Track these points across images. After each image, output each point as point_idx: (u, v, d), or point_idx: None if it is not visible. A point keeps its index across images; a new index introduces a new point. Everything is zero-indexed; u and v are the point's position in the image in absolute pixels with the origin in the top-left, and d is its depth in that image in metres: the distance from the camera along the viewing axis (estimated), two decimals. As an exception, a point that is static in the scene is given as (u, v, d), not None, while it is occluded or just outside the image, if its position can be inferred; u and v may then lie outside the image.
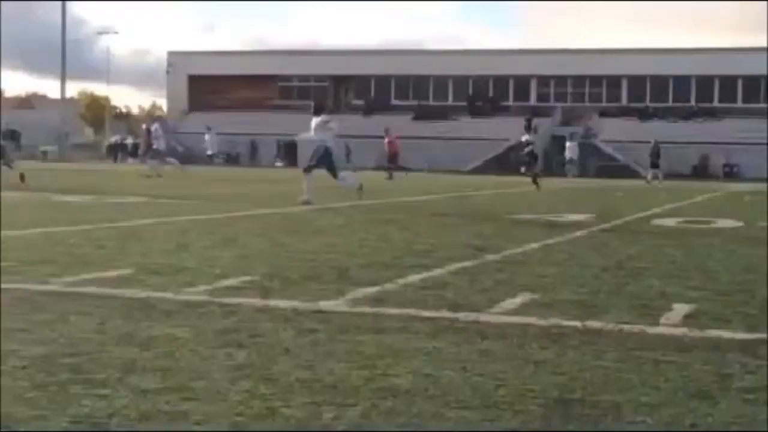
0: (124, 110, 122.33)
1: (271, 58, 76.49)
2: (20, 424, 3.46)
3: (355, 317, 5.84)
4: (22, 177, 17.01)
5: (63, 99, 73.01)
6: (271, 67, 74.40)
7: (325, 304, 6.25)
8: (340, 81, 74.88)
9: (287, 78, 75.48)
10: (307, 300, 6.39)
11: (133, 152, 66.75)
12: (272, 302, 6.31)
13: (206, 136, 50.29)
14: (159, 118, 28.37)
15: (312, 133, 18.66)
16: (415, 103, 72.18)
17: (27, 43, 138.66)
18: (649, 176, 43.19)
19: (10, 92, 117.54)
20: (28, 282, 6.94)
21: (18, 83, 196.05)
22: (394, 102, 72.95)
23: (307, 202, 17.64)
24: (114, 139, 71.37)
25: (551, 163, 61.13)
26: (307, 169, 18.56)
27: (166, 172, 34.06)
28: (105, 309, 5.91)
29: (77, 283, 6.94)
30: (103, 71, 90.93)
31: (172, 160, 36.44)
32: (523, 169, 31.97)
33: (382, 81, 74.04)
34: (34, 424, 3.49)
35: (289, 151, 65.90)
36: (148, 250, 9.30)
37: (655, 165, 44.12)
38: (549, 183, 37.96)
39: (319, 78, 74.92)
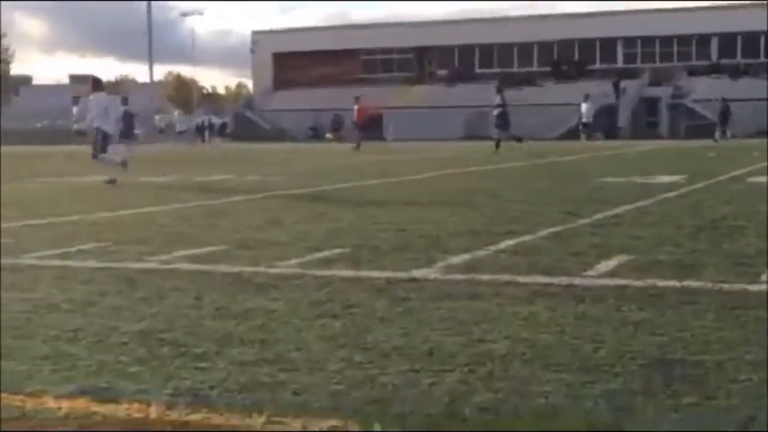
0: (210, 91, 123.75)
1: (354, 33, 76.42)
2: (124, 398, 3.52)
3: (448, 285, 5.82)
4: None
5: (151, 82, 74.10)
6: (353, 42, 74.33)
7: (417, 273, 6.23)
8: (423, 52, 74.53)
9: (370, 51, 75.39)
10: (399, 269, 6.38)
11: (221, 131, 67.47)
12: (364, 273, 6.32)
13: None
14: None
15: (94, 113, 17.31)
16: (499, 70, 71.60)
17: (115, 29, 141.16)
18: (717, 134, 42.10)
19: (101, 77, 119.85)
20: (124, 261, 7.06)
21: (108, 68, 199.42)
22: (479, 71, 72.42)
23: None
24: (201, 119, 72.18)
25: (640, 124, 60.26)
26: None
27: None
28: (200, 284, 5.98)
29: (172, 261, 7.03)
30: (189, 53, 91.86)
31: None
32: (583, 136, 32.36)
33: (466, 50, 73.44)
34: (137, 397, 3.54)
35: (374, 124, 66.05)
36: (239, 227, 9.39)
37: (723, 122, 43.14)
38: (637, 145, 37.38)
39: (402, 50, 74.70)
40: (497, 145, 31.21)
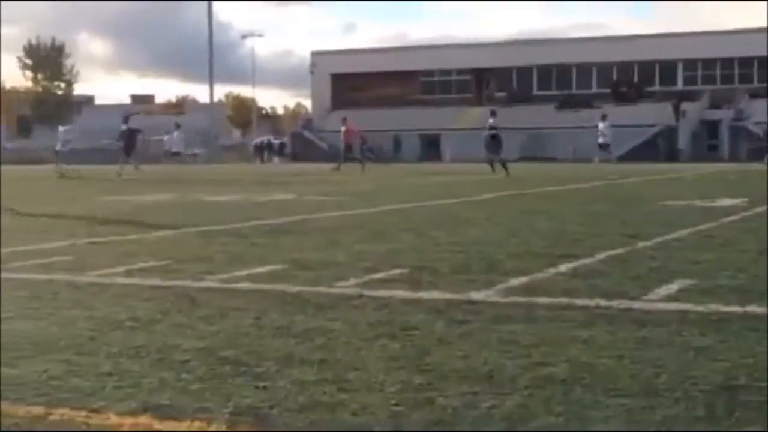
0: (269, 111, 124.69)
1: (412, 54, 76.64)
2: (185, 416, 3.56)
3: (507, 307, 5.81)
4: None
5: (211, 102, 74.87)
6: (412, 63, 74.57)
7: (476, 295, 6.23)
8: (482, 73, 74.50)
9: (429, 73, 75.55)
10: (457, 291, 6.38)
11: (280, 152, 67.95)
12: (423, 294, 6.33)
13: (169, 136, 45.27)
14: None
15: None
16: (557, 92, 71.31)
17: (176, 50, 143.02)
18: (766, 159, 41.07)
19: (161, 97, 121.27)
20: (185, 279, 7.14)
21: (169, 88, 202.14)
22: (537, 92, 72.22)
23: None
24: (260, 139, 72.71)
25: (701, 147, 59.64)
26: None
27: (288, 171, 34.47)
28: (260, 304, 6.03)
29: (232, 280, 7.10)
30: (249, 73, 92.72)
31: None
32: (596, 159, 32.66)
33: (524, 72, 73.31)
34: (198, 415, 3.58)
35: (431, 145, 66.16)
36: (299, 246, 9.44)
37: None
38: (697, 168, 36.99)
39: (460, 71, 74.78)
40: (492, 167, 31.22)
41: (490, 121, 32.65)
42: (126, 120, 34.32)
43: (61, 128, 34.58)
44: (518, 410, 3.60)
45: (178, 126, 42.99)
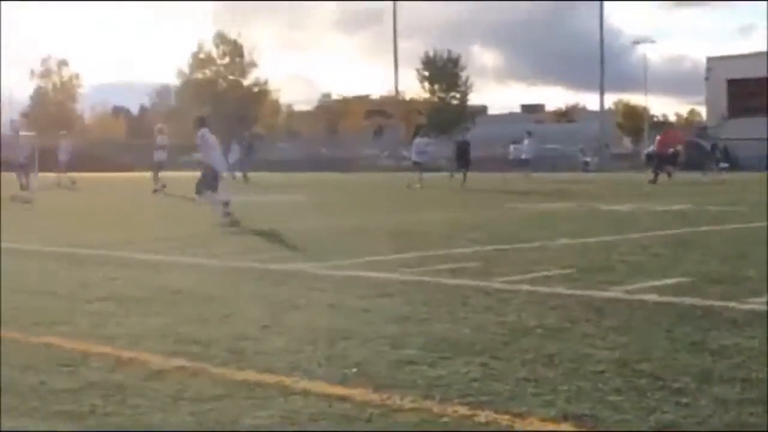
0: (661, 119, 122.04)
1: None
2: (606, 426, 3.56)
3: None
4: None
5: (602, 110, 74.41)
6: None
7: None
8: None
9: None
10: None
11: (672, 161, 66.17)
12: None
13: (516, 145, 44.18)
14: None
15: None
16: None
17: (565, 58, 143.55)
18: None
19: (551, 106, 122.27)
20: (589, 289, 7.14)
21: (558, 97, 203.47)
22: None
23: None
24: (651, 148, 71.29)
25: None
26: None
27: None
28: (669, 316, 5.90)
29: (637, 291, 7.00)
30: (639, 80, 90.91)
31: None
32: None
33: None
34: (617, 425, 3.57)
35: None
36: (704, 258, 9.15)
37: None
38: None
39: None
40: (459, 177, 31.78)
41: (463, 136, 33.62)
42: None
43: (417, 139, 35.40)
44: None
45: (529, 134, 42.92)
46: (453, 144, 35.99)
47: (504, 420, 3.67)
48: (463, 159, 33.46)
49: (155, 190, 26.35)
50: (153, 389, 4.16)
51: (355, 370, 4.50)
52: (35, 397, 4.04)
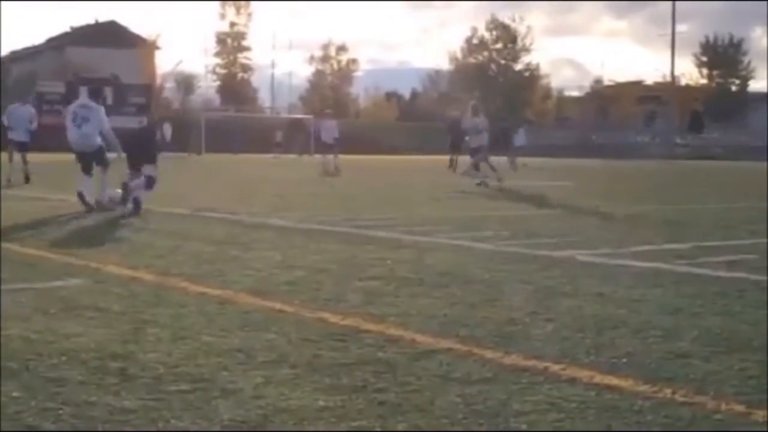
0: None
1: None
2: None
3: None
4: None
5: None
6: None
7: None
8: None
9: None
10: None
11: None
12: None
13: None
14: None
15: None
16: None
17: None
18: None
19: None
20: None
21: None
22: None
23: None
24: None
25: None
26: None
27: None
28: None
29: None
30: None
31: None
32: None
33: None
34: None
35: None
36: None
37: None
38: None
39: None
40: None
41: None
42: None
43: None
44: None
45: None
46: None
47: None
48: None
49: (479, 183, 21.12)
50: (422, 368, 4.23)
51: (624, 360, 4.41)
52: (310, 369, 4.19)
